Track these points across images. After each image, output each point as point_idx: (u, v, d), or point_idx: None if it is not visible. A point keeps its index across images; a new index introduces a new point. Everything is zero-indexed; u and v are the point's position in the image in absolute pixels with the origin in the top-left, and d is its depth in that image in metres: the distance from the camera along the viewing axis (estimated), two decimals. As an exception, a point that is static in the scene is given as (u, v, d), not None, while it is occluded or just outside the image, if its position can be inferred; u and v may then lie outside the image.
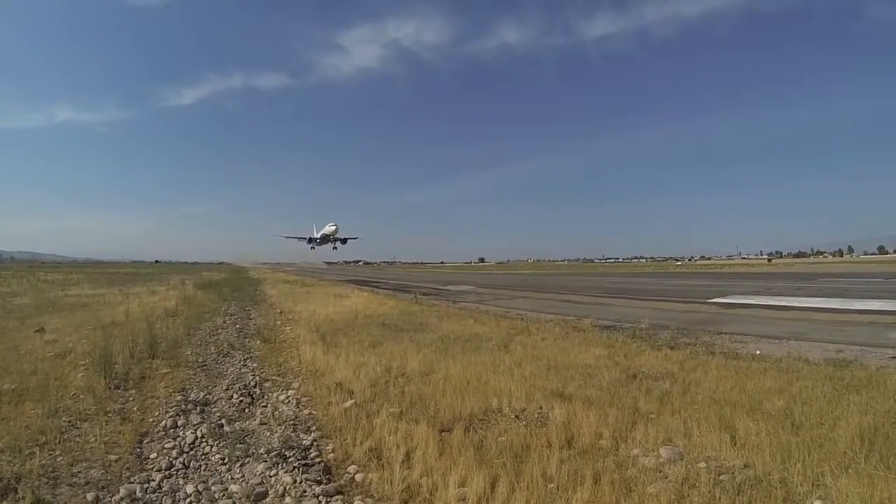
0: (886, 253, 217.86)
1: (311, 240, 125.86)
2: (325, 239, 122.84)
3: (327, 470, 5.34)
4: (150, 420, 7.12)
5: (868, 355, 10.22)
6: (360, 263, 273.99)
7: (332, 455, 5.72)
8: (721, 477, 4.71)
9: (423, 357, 10.45)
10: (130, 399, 8.05)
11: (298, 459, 5.51)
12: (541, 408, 6.97)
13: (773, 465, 4.85)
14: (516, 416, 6.72)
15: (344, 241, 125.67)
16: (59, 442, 6.08)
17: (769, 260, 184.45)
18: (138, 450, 6.05)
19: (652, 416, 6.56)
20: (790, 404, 6.69)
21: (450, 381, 8.42)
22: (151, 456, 5.87)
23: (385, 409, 7.02)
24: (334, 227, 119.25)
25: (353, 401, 7.54)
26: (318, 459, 5.56)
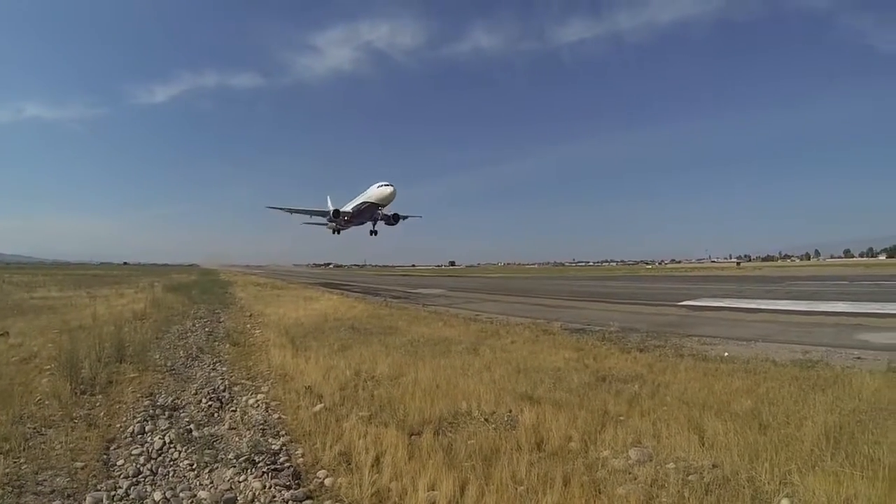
0: (852, 256, 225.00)
1: (336, 214, 74.42)
2: (367, 212, 72.82)
3: (297, 475, 5.31)
4: (118, 426, 7.02)
5: (834, 356, 10.52)
6: (331, 266, 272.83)
7: (301, 459, 5.70)
8: (689, 477, 4.79)
9: (393, 360, 10.49)
10: (97, 404, 7.93)
11: (268, 464, 5.47)
12: (510, 411, 7.01)
13: (740, 465, 4.94)
14: (486, 419, 6.74)
15: (395, 218, 75.13)
16: (24, 449, 5.95)
17: (738, 263, 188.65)
18: (105, 456, 5.95)
19: (621, 418, 6.65)
20: (758, 405, 6.87)
21: (419, 384, 8.44)
22: (118, 462, 5.78)
23: (354, 413, 7.04)
24: (390, 189, 67.88)
25: (323, 404, 7.55)
26: (287, 464, 5.53)
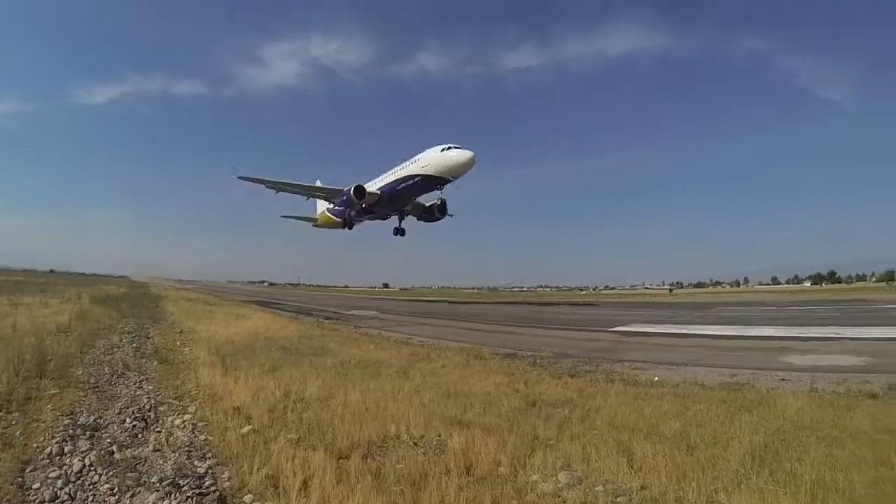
0: (779, 283, 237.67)
1: (360, 194, 48.07)
2: (411, 193, 47.61)
3: (222, 499, 5.20)
4: (35, 446, 6.72)
5: (760, 378, 11.11)
6: (266, 284, 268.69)
7: (227, 483, 5.59)
8: (618, 499, 4.93)
9: (323, 382, 10.41)
10: (13, 422, 7.55)
11: (192, 488, 5.35)
12: (439, 435, 7.02)
13: (668, 486, 5.12)
14: (415, 444, 6.74)
15: (441, 210, 51.32)
16: (-69, 470, 5.61)
17: (671, 290, 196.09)
18: (20, 479, 5.71)
19: (551, 442, 6.77)
20: (686, 427, 7.14)
21: (348, 407, 8.42)
22: (34, 486, 5.57)
23: (283, 436, 6.95)
24: (468, 155, 41.40)
25: (251, 426, 7.43)
26: (213, 488, 5.42)
